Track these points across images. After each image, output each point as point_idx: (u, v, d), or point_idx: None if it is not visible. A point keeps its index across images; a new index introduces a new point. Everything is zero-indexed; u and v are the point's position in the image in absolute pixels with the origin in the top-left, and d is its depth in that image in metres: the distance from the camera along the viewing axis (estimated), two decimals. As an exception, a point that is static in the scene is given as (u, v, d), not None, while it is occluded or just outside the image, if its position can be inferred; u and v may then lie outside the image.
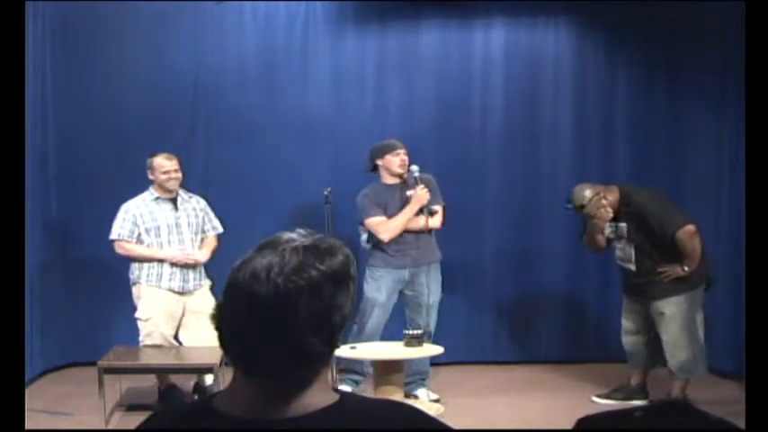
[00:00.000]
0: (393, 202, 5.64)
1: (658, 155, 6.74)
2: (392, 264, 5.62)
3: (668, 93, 6.84)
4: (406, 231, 5.59)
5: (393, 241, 5.55)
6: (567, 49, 6.90)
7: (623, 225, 5.53)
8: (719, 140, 6.55)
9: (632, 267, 5.57)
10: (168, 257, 5.50)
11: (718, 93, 6.51)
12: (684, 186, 6.54)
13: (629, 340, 5.72)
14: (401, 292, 5.71)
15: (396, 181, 5.69)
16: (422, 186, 5.58)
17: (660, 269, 5.45)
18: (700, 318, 5.52)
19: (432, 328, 5.64)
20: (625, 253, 5.59)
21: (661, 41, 6.77)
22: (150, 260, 5.51)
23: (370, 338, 5.60)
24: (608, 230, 5.60)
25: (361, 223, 5.62)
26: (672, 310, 5.44)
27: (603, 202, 5.49)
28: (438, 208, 5.67)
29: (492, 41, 6.84)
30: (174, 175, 5.57)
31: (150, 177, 5.57)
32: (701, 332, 5.52)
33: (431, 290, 5.63)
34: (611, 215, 5.53)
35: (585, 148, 6.87)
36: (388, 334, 5.63)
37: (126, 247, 5.53)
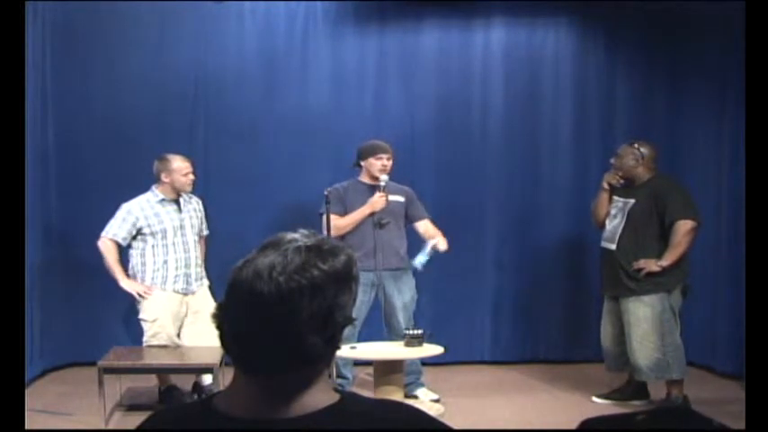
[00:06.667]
0: (361, 201, 5.66)
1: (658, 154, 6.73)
2: (359, 267, 5.55)
3: (668, 92, 6.85)
4: (361, 233, 5.59)
5: (358, 244, 5.47)
6: (567, 48, 6.91)
7: (632, 202, 5.51)
8: (719, 140, 6.54)
9: (612, 247, 5.54)
10: (128, 288, 5.44)
11: (718, 92, 6.50)
12: (683, 185, 6.52)
13: (609, 343, 5.69)
14: (376, 296, 5.71)
15: (374, 182, 5.70)
16: (381, 194, 5.61)
17: (635, 264, 5.41)
18: (673, 321, 5.45)
19: (410, 327, 5.55)
20: (612, 229, 5.55)
21: (661, 41, 6.78)
22: (111, 272, 5.46)
23: (347, 339, 5.56)
24: (614, 209, 5.60)
25: (321, 214, 5.56)
26: (644, 311, 5.39)
27: (632, 163, 5.53)
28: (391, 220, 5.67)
29: (492, 41, 6.85)
30: (191, 176, 5.58)
31: (165, 179, 5.50)
32: (676, 334, 5.45)
33: (400, 293, 5.66)
34: (618, 182, 5.59)
35: (585, 148, 6.87)
36: (366, 336, 5.59)
37: (108, 247, 5.46)
